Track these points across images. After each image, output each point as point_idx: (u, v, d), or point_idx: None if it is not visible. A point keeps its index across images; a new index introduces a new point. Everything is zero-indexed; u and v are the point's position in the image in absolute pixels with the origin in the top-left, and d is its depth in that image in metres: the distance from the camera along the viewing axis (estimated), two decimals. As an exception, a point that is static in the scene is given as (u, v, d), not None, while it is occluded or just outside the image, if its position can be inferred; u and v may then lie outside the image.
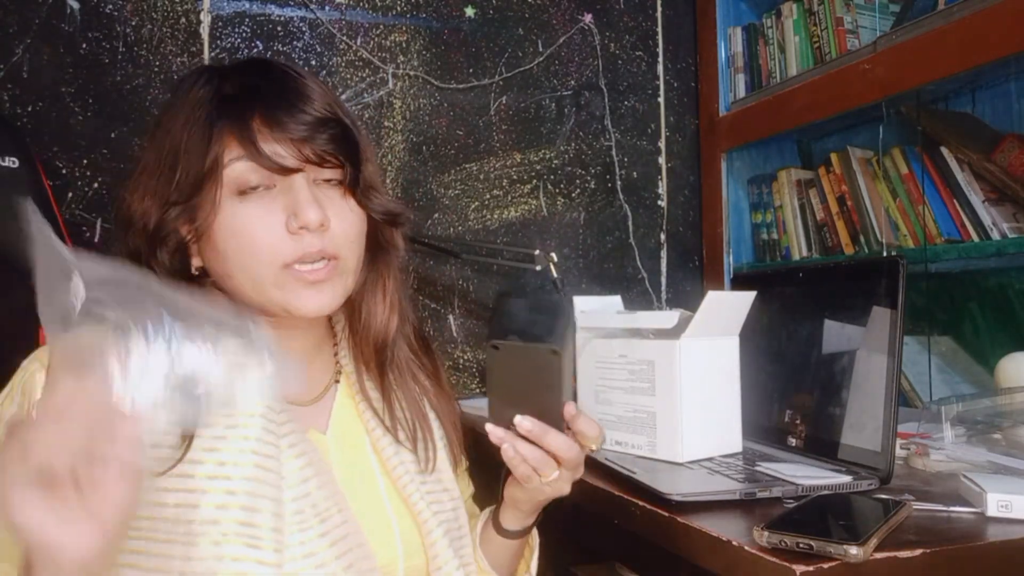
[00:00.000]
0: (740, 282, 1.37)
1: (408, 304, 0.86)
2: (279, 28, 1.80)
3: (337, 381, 0.84)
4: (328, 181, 0.74)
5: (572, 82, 2.06)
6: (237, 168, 0.69)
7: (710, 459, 0.97)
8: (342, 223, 0.73)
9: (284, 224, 0.70)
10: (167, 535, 0.63)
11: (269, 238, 0.70)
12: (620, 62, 2.11)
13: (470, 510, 0.90)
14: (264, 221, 0.70)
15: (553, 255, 1.63)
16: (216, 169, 0.69)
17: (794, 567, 0.63)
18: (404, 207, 0.81)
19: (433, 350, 0.90)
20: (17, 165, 1.31)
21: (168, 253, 0.72)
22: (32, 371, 0.68)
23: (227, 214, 0.70)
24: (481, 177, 1.97)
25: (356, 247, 0.76)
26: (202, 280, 0.74)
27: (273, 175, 0.70)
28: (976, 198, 1.52)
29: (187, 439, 0.65)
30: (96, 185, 1.66)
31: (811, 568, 0.63)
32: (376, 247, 0.82)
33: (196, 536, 0.63)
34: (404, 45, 1.91)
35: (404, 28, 1.91)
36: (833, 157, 1.85)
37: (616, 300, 1.15)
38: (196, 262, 0.75)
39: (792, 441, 1.01)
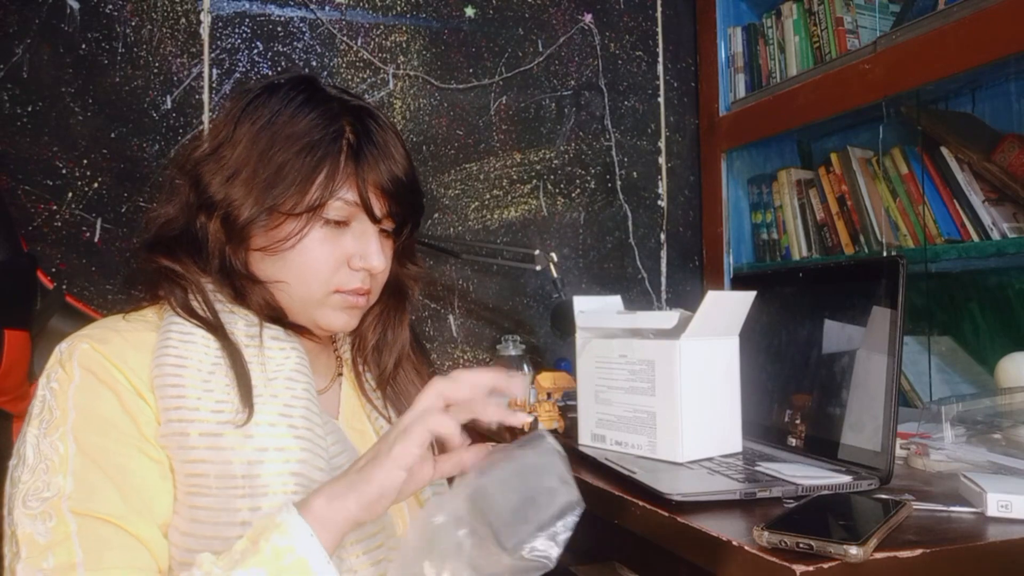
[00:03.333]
0: (740, 282, 1.37)
1: (409, 341, 0.96)
2: (279, 28, 1.80)
3: (340, 374, 0.92)
4: (383, 231, 0.83)
5: (572, 82, 2.06)
6: (336, 204, 0.78)
7: (710, 459, 0.97)
8: (384, 271, 0.84)
9: (347, 259, 0.80)
10: (234, 489, 0.69)
11: (332, 266, 0.79)
12: (620, 62, 2.11)
13: None
14: (333, 252, 0.79)
15: (553, 255, 1.63)
16: (324, 202, 0.77)
17: (794, 567, 0.63)
18: (427, 272, 0.94)
19: (427, 359, 0.99)
20: None
21: (245, 250, 0.78)
22: (84, 350, 0.72)
23: (307, 238, 0.78)
24: (481, 177, 1.97)
25: (381, 288, 0.87)
26: (255, 281, 0.79)
27: (354, 216, 0.79)
28: (976, 198, 1.52)
29: (248, 404, 0.72)
30: (96, 185, 1.66)
31: (811, 568, 0.63)
32: (399, 294, 0.93)
33: (260, 489, 0.70)
34: (404, 45, 1.91)
35: (404, 28, 1.91)
36: (833, 157, 1.85)
37: (616, 300, 1.15)
38: (254, 264, 0.80)
39: (792, 441, 1.01)
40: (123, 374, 0.71)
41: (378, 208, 0.80)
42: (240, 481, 0.70)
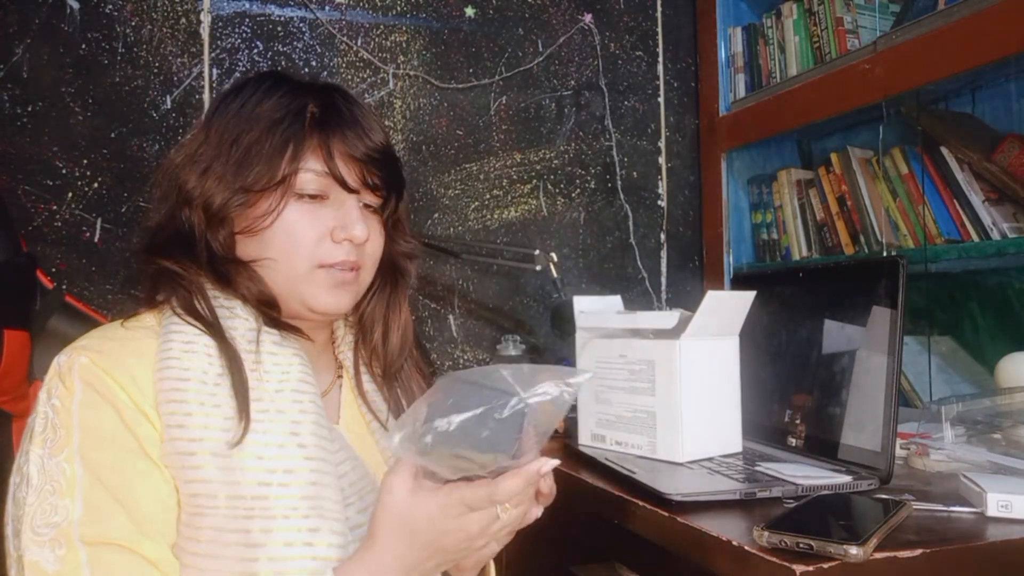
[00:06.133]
0: (740, 282, 1.37)
1: (412, 323, 0.95)
2: (279, 28, 1.80)
3: (340, 376, 0.90)
4: (367, 206, 0.83)
5: (572, 82, 2.06)
6: (306, 177, 0.78)
7: (710, 459, 0.97)
8: (372, 244, 0.83)
9: (329, 232, 0.79)
10: (247, 511, 0.68)
11: (313, 239, 0.78)
12: (620, 62, 2.11)
13: None
14: (313, 225, 0.78)
15: (553, 255, 1.63)
16: (292, 175, 0.77)
17: (794, 567, 0.63)
18: (420, 247, 0.93)
19: (428, 358, 0.97)
20: None
21: (224, 235, 0.78)
22: (83, 363, 0.71)
23: (284, 213, 0.78)
24: (481, 177, 1.97)
25: (374, 266, 0.86)
26: (241, 264, 0.79)
27: (330, 189, 0.79)
28: (976, 198, 1.52)
29: (245, 414, 0.71)
30: (96, 185, 1.66)
31: (811, 568, 0.63)
32: (396, 273, 0.91)
33: (272, 511, 0.69)
34: (404, 45, 1.91)
35: (404, 28, 1.91)
36: (833, 157, 1.85)
37: (616, 300, 1.15)
38: (240, 248, 0.80)
39: (792, 441, 1.01)
40: (124, 390, 0.70)
41: (350, 177, 0.79)
42: (251, 503, 0.69)
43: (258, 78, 0.83)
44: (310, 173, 0.78)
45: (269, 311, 0.79)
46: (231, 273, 0.78)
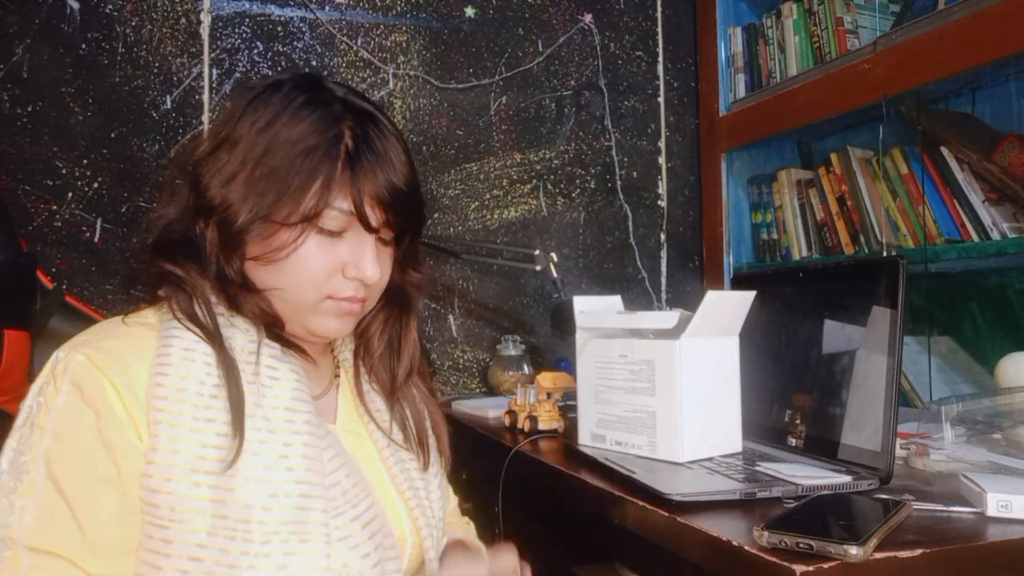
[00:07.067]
0: (740, 282, 1.36)
1: (419, 345, 0.95)
2: (279, 28, 1.80)
3: (337, 376, 0.90)
4: (381, 239, 0.81)
5: (572, 82, 2.06)
6: (331, 214, 0.76)
7: (710, 459, 0.97)
8: (381, 278, 0.82)
9: (342, 267, 0.78)
10: (228, 533, 0.67)
11: (326, 273, 0.78)
12: (620, 62, 2.11)
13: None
14: (327, 260, 0.77)
15: (553, 255, 1.63)
16: (319, 211, 0.75)
17: (794, 567, 0.63)
18: (430, 280, 0.93)
19: (428, 358, 0.97)
20: None
21: (237, 259, 0.76)
22: (79, 362, 0.70)
23: (302, 246, 0.76)
24: (481, 177, 1.97)
25: (379, 294, 0.86)
26: (250, 290, 0.78)
27: (351, 225, 0.78)
28: (976, 198, 1.52)
29: (239, 430, 0.70)
30: (96, 185, 1.66)
31: (811, 568, 0.63)
32: (402, 298, 0.91)
33: (252, 535, 0.68)
34: (404, 45, 1.91)
35: (404, 28, 1.91)
36: (833, 157, 1.85)
37: (616, 300, 1.15)
38: (249, 271, 0.78)
39: (792, 441, 1.01)
40: (117, 392, 0.69)
41: (374, 218, 0.77)
42: (233, 524, 0.67)
43: (294, 85, 0.79)
44: (335, 211, 0.75)
45: (272, 327, 0.78)
46: (238, 296, 0.77)
